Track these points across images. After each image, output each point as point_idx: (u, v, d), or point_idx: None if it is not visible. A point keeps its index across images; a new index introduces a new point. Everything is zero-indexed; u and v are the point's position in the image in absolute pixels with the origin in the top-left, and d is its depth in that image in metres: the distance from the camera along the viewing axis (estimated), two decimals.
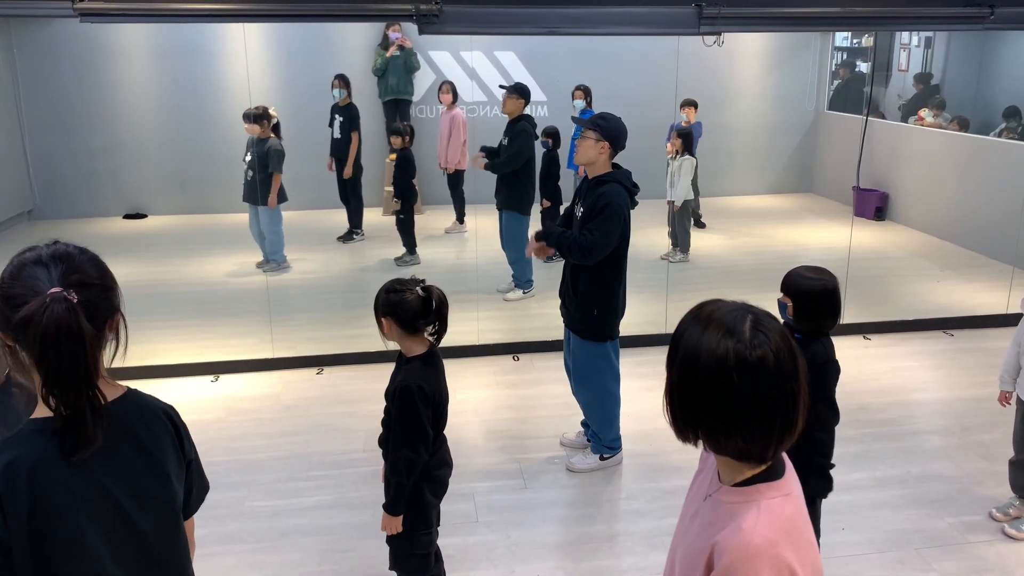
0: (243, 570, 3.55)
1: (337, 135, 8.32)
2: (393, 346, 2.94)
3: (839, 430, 4.75)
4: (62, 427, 1.44)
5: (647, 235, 7.85)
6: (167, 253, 8.29)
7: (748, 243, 8.78)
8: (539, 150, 7.22)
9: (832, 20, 5.78)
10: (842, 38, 11.03)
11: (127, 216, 9.71)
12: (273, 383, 5.38)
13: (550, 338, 5.86)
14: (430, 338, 2.83)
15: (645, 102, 9.19)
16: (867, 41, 10.81)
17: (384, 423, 2.84)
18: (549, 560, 3.59)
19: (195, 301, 6.81)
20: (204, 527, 3.85)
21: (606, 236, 3.83)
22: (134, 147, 9.70)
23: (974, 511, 3.93)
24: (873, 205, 9.68)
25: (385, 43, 9.49)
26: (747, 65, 10.88)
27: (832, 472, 3.04)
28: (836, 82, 11.09)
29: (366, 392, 5.17)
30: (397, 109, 9.65)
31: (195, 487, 1.78)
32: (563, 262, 4.16)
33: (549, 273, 6.84)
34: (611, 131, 3.90)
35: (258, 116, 7.41)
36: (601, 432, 4.31)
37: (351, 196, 8.60)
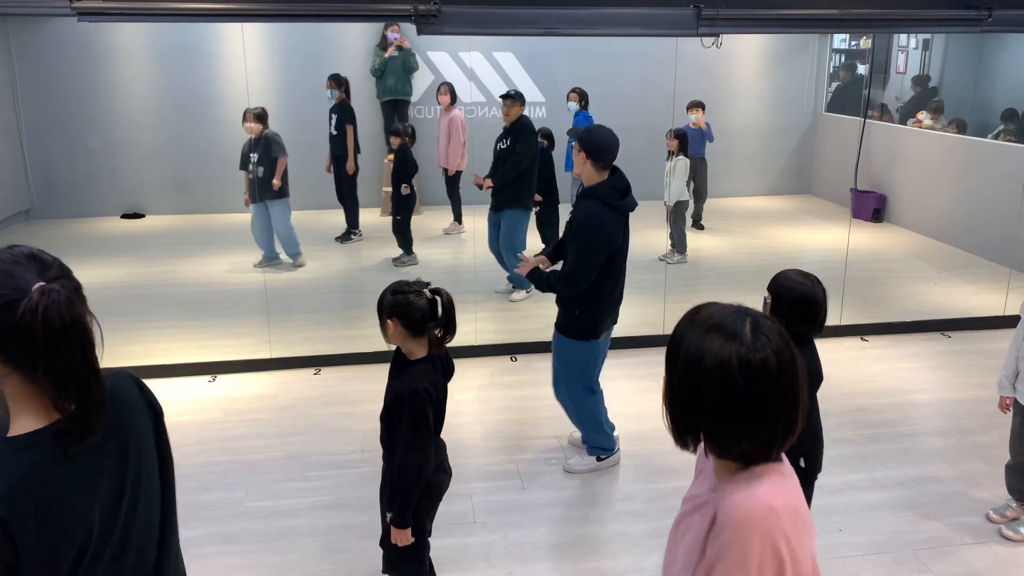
0: (240, 571, 3.54)
1: (333, 131, 8.32)
2: (392, 345, 2.94)
3: (838, 431, 4.76)
4: (64, 428, 1.40)
5: (645, 236, 7.85)
6: (165, 253, 8.28)
7: (746, 244, 8.79)
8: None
9: (830, 22, 5.78)
10: (840, 40, 11.04)
11: (125, 216, 9.70)
12: (270, 383, 5.38)
13: (548, 339, 5.86)
14: (438, 340, 2.81)
15: (643, 103, 9.21)
16: (865, 43, 10.82)
17: (385, 422, 2.82)
18: (547, 561, 3.59)
19: (192, 301, 6.80)
20: (201, 528, 3.85)
21: (585, 259, 3.86)
22: (132, 147, 9.70)
23: (971, 513, 3.93)
24: (871, 207, 9.69)
25: (384, 44, 9.49)
26: (745, 67, 10.89)
27: (826, 474, 3.04)
28: (835, 84, 11.10)
29: (364, 393, 5.17)
30: (396, 110, 9.65)
31: (169, 464, 1.74)
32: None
33: None
34: (590, 145, 3.91)
35: (260, 116, 7.44)
36: (587, 435, 4.31)
37: (347, 196, 8.59)
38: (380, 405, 2.90)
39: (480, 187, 6.95)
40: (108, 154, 9.64)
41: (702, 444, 1.48)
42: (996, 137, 8.61)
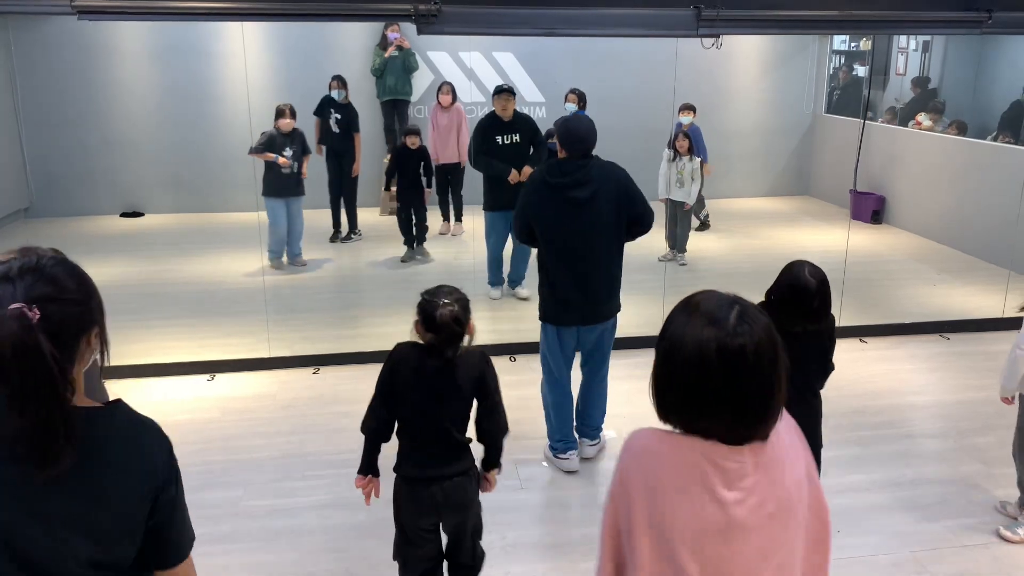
0: (238, 570, 3.54)
1: (336, 129, 8.31)
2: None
3: (836, 432, 4.75)
4: (28, 446, 1.37)
5: (644, 236, 7.83)
6: (163, 252, 8.28)
7: (745, 245, 8.79)
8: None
9: (830, 23, 5.79)
10: (840, 41, 11.04)
11: (124, 214, 9.70)
12: (269, 383, 5.37)
13: None
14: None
15: (643, 104, 9.21)
16: (865, 44, 10.83)
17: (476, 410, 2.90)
18: (545, 561, 3.58)
19: (191, 300, 6.80)
20: (199, 527, 3.81)
21: (514, 216, 4.22)
22: (131, 145, 9.69)
23: (969, 514, 3.93)
24: (870, 208, 9.69)
25: (384, 43, 9.48)
26: (745, 68, 10.89)
27: (824, 475, 3.04)
28: (834, 86, 11.10)
29: (362, 392, 5.12)
30: (395, 109, 9.64)
31: (174, 534, 1.58)
32: None
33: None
34: (561, 132, 4.13)
35: (293, 111, 7.59)
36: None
37: (350, 197, 8.59)
38: None
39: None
40: (107, 152, 9.64)
41: None
42: (995, 139, 8.62)
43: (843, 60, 11.18)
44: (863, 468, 4.34)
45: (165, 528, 1.54)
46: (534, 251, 4.25)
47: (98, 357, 1.52)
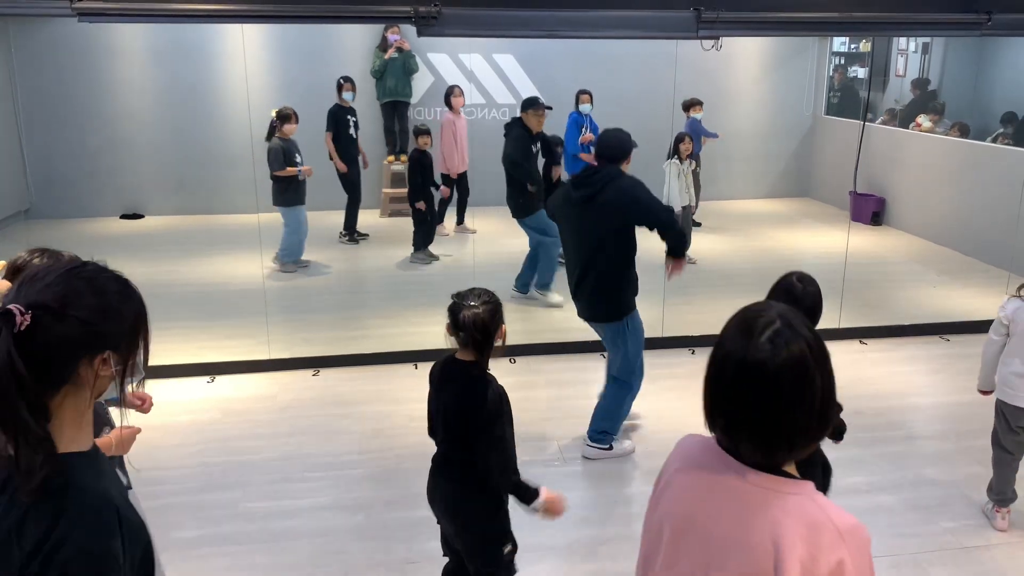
0: (237, 571, 3.54)
1: (353, 134, 8.36)
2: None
3: None
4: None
5: (644, 238, 7.83)
6: (164, 253, 8.27)
7: (745, 247, 8.78)
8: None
9: (830, 25, 5.79)
10: (840, 43, 11.05)
11: (124, 216, 9.70)
12: (269, 384, 5.37)
13: (547, 340, 5.87)
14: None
15: (643, 106, 9.21)
16: (865, 46, 10.83)
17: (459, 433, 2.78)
18: (547, 562, 3.58)
19: (191, 302, 6.80)
20: (199, 528, 3.84)
21: None
22: (131, 147, 9.70)
23: (969, 516, 3.93)
24: (870, 210, 9.70)
25: (384, 45, 9.49)
26: (745, 69, 10.90)
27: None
28: (834, 90, 11.10)
29: (362, 394, 5.16)
30: (395, 111, 9.65)
31: None
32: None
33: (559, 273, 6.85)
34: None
35: (297, 114, 7.54)
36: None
37: (358, 196, 8.62)
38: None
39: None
40: (107, 154, 9.64)
41: None
42: (995, 140, 8.62)
43: (843, 62, 11.19)
44: (863, 470, 4.34)
45: None
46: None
47: (118, 386, 1.40)
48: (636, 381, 4.44)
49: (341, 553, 3.64)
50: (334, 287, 7.55)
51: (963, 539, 3.76)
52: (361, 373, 5.49)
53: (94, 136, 9.59)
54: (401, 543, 3.70)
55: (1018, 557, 3.64)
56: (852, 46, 11.09)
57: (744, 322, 1.45)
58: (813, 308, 3.05)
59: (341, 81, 8.33)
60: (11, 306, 1.27)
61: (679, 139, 7.87)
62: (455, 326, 2.76)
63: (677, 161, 7.79)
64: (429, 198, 7.84)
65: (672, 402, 5.02)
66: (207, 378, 5.43)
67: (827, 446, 3.73)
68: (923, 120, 9.50)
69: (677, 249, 4.34)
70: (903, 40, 10.51)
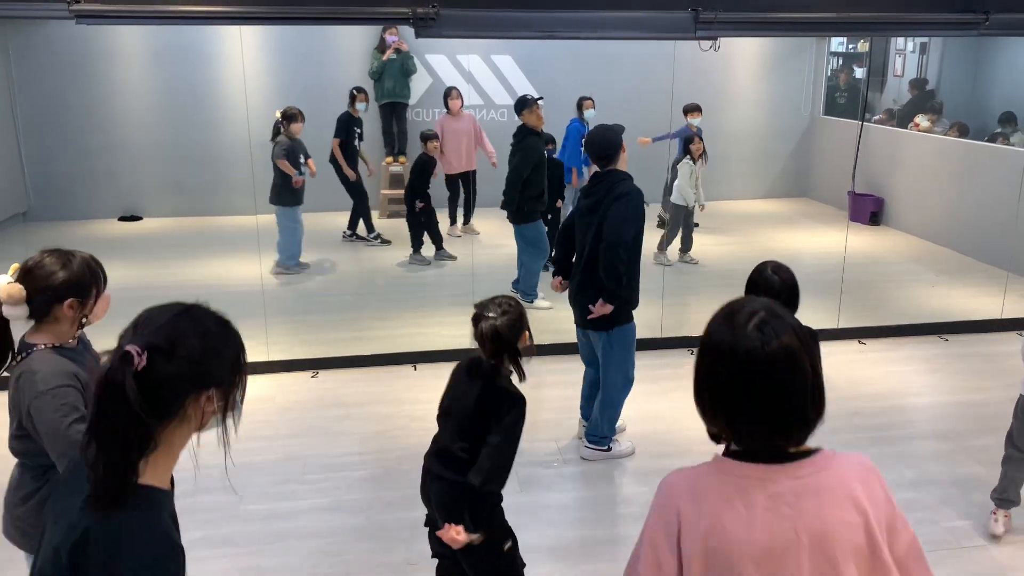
0: (237, 573, 3.53)
1: (358, 145, 8.45)
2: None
3: (835, 434, 4.76)
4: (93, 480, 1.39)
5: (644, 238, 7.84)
6: (162, 255, 8.27)
7: (744, 247, 8.79)
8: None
9: (828, 25, 5.80)
10: (838, 43, 11.05)
11: (122, 218, 9.69)
12: (268, 386, 5.37)
13: (546, 342, 5.86)
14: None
15: (641, 107, 9.20)
16: (863, 46, 10.84)
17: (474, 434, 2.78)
18: (545, 564, 3.58)
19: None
20: (198, 530, 3.84)
21: None
22: (129, 149, 9.69)
23: (968, 516, 3.93)
24: (868, 210, 9.70)
25: (382, 46, 9.49)
26: (743, 70, 10.90)
27: None
28: (839, 89, 11.11)
29: (361, 395, 5.16)
30: (394, 112, 9.65)
31: None
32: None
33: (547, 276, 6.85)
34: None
35: (303, 114, 7.51)
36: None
37: (366, 198, 8.67)
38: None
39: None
40: (105, 156, 9.63)
41: None
42: (993, 140, 8.63)
43: (841, 62, 11.20)
44: None
45: None
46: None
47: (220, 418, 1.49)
48: (626, 388, 4.46)
49: (341, 554, 3.64)
50: (333, 289, 7.55)
51: (962, 539, 3.76)
52: (360, 374, 5.49)
53: (92, 138, 9.58)
54: (402, 544, 3.69)
55: (1018, 557, 3.64)
56: (850, 46, 11.09)
57: (729, 315, 1.50)
58: (791, 296, 3.09)
59: (355, 92, 8.34)
60: (129, 347, 1.38)
61: (688, 140, 7.89)
62: (475, 336, 2.79)
63: (690, 161, 7.82)
64: (425, 200, 7.84)
65: (671, 402, 5.02)
66: None
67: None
68: (921, 120, 9.50)
69: (609, 290, 4.16)
70: (901, 40, 10.52)
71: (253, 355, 6.02)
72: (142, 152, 9.72)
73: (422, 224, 7.92)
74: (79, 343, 2.45)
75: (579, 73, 9.63)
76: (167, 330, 1.44)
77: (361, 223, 8.72)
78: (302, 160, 7.51)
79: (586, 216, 4.23)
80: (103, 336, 1.65)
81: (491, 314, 2.77)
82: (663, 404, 5.01)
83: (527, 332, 2.84)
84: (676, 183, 7.87)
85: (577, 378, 4.73)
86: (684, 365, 5.61)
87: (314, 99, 8.69)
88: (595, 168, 4.34)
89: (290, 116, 7.44)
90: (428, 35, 4.86)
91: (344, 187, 8.46)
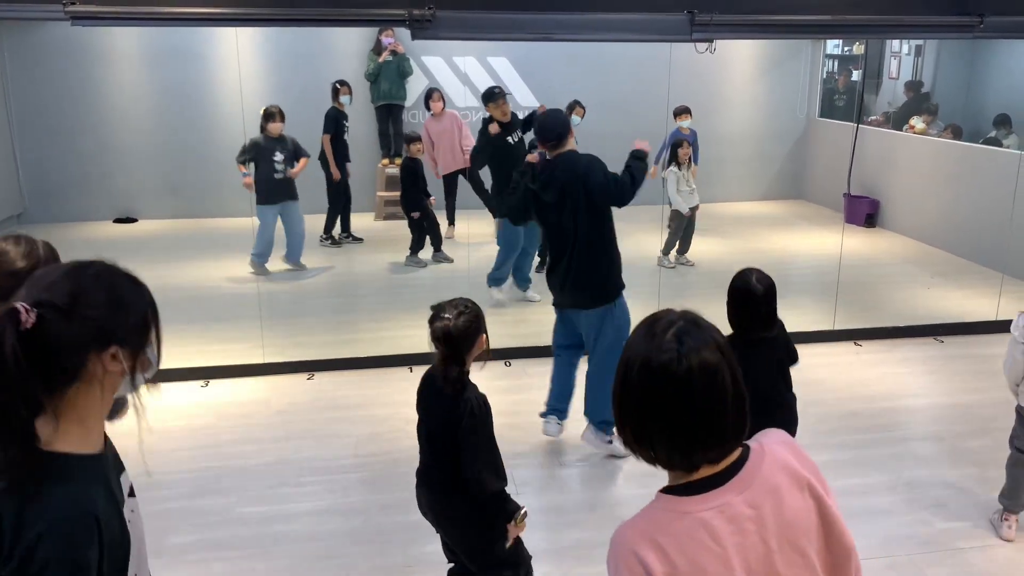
0: None
1: (346, 140, 8.40)
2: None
3: (831, 435, 4.76)
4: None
5: (638, 240, 7.86)
6: (157, 257, 8.24)
7: (739, 249, 8.79)
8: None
9: (823, 28, 5.81)
10: (833, 45, 11.08)
11: (117, 220, 9.67)
12: (263, 388, 5.36)
13: (542, 343, 5.85)
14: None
15: (637, 109, 9.21)
16: (858, 49, 10.87)
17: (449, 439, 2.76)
18: (540, 566, 3.57)
19: (185, 306, 6.77)
20: (193, 533, 3.82)
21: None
22: (125, 151, 9.67)
23: (965, 517, 3.93)
24: (864, 212, 9.72)
25: (378, 48, 9.48)
26: (739, 72, 10.91)
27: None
28: (838, 91, 11.13)
29: (356, 397, 5.15)
30: (390, 114, 9.64)
31: None
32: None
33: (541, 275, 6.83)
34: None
35: (283, 114, 7.45)
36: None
37: (348, 200, 8.61)
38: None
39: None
40: (101, 158, 9.61)
41: None
42: (987, 142, 8.65)
43: (836, 64, 11.22)
44: (858, 471, 4.34)
45: None
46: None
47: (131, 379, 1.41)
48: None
49: (337, 557, 3.63)
50: (328, 291, 7.53)
51: (959, 540, 3.76)
52: (356, 377, 5.48)
53: (87, 140, 9.56)
54: (398, 547, 3.69)
55: (1015, 558, 3.65)
56: (846, 49, 11.12)
57: (648, 325, 1.44)
58: (771, 308, 3.11)
59: (337, 85, 8.31)
60: (16, 304, 1.27)
61: (677, 144, 7.88)
62: (430, 336, 2.76)
63: (676, 168, 7.81)
64: (423, 205, 7.83)
65: None
66: (201, 382, 5.41)
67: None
68: (916, 122, 9.53)
69: (637, 167, 4.28)
70: (896, 43, 10.55)
71: (248, 357, 6.02)
72: (137, 154, 9.70)
73: (424, 229, 7.93)
74: None
75: (574, 75, 9.63)
76: (65, 285, 1.32)
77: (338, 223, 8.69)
78: (280, 158, 7.44)
79: (555, 212, 4.20)
80: None
81: (447, 315, 2.73)
82: None
83: (484, 335, 2.78)
84: (668, 192, 7.87)
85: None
86: None
87: (310, 101, 8.67)
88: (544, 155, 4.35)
89: (267, 115, 7.40)
90: (424, 37, 4.85)
91: (327, 185, 8.40)
